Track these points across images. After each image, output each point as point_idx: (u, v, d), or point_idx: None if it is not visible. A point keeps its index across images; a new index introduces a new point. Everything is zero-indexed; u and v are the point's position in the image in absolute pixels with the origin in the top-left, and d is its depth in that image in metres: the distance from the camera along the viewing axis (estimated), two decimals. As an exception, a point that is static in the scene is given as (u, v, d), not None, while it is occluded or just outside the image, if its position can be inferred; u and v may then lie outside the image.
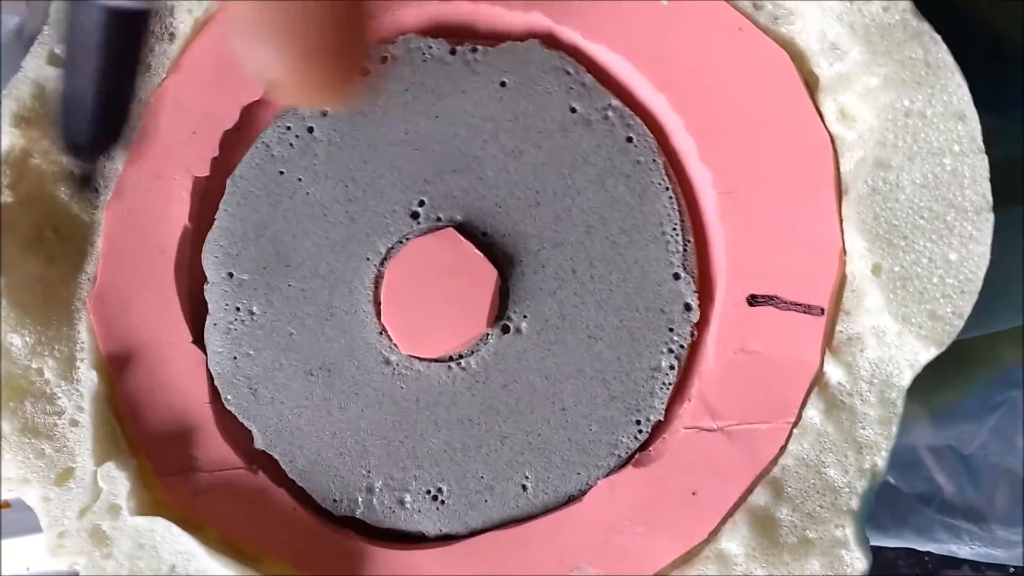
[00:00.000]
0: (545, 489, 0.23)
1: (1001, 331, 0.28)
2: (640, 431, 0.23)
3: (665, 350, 0.23)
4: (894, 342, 0.21)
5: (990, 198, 0.21)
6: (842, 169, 0.22)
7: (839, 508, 0.21)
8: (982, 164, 0.21)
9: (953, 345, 0.21)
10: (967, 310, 0.21)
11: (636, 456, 0.23)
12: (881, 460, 0.21)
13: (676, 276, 0.23)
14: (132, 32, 0.18)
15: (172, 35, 0.25)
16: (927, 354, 0.21)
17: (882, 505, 0.30)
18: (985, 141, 0.21)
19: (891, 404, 0.21)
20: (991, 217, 0.21)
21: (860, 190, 0.22)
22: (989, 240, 0.21)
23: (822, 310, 0.22)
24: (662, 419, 0.23)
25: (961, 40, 0.22)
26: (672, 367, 0.23)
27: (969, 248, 0.21)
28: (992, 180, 0.21)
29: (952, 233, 0.21)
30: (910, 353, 0.21)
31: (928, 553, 0.33)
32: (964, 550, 0.29)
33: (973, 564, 0.33)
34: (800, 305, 0.22)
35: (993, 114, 0.22)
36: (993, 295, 0.21)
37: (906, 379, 0.21)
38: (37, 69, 0.24)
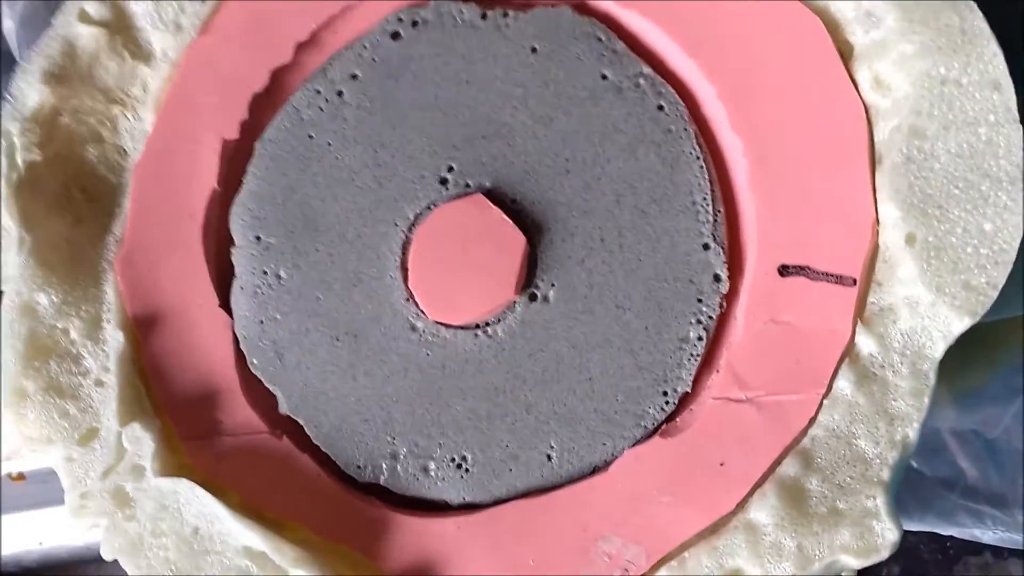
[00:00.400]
0: (570, 459, 0.23)
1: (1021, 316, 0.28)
2: (667, 402, 0.23)
3: (694, 321, 0.23)
4: (927, 313, 0.21)
5: (1026, 169, 0.21)
6: (876, 138, 0.22)
7: (870, 479, 0.21)
8: (1017, 134, 0.21)
9: (977, 328, 0.21)
10: (1001, 280, 0.21)
11: (663, 427, 0.23)
12: (913, 432, 0.21)
13: (706, 246, 0.23)
14: None
15: (204, -4, 0.25)
16: (960, 324, 0.21)
17: (905, 489, 0.30)
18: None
19: (923, 376, 0.21)
20: (1026, 188, 0.21)
21: (894, 159, 0.21)
22: (1024, 210, 0.21)
23: (854, 280, 0.22)
24: (689, 390, 0.23)
25: (993, 14, 0.22)
26: (700, 338, 0.23)
27: (1004, 218, 0.21)
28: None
29: (987, 203, 0.21)
30: (943, 324, 0.21)
31: (950, 539, 0.32)
32: (987, 535, 0.29)
33: (995, 550, 0.33)
34: (832, 275, 0.22)
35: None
36: (1008, 280, 0.21)
37: (939, 350, 0.21)
38: (68, 26, 0.24)
